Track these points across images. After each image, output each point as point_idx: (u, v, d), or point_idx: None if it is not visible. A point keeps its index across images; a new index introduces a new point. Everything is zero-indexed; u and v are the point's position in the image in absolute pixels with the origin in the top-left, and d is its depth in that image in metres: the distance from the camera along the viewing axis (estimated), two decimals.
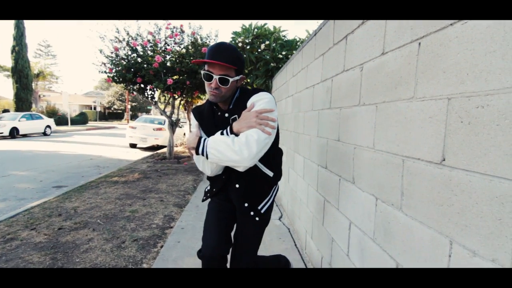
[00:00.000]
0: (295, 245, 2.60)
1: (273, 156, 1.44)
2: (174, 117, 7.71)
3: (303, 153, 2.61)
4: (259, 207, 1.43)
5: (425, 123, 0.94)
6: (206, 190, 1.60)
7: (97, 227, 2.94)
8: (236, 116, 1.34)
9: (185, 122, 14.28)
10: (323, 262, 1.95)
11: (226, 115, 1.37)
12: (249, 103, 1.29)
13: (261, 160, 1.35)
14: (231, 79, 1.27)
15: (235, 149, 1.19)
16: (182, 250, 2.46)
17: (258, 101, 1.28)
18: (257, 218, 1.43)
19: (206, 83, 1.30)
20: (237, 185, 1.42)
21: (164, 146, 10.28)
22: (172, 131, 7.45)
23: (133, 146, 11.19)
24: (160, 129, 10.56)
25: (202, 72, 1.30)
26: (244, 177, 1.37)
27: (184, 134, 13.50)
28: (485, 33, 0.72)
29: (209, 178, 1.54)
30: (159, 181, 5.08)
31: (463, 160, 0.78)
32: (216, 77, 1.25)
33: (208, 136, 1.34)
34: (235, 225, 1.54)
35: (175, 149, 9.86)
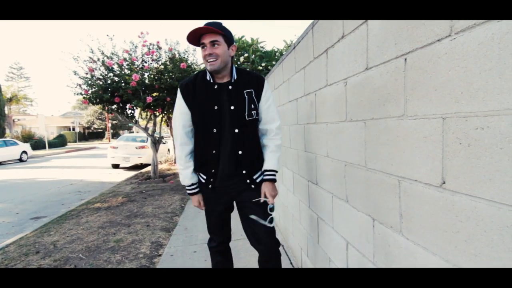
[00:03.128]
0: (291, 263, 2.51)
1: None
2: (156, 134, 7.52)
3: (291, 167, 2.55)
4: (254, 177, 1.62)
5: (419, 143, 0.88)
6: (194, 182, 1.67)
7: (79, 262, 2.74)
8: (252, 90, 1.55)
9: (169, 137, 14.02)
10: None
11: (230, 87, 1.54)
12: (264, 91, 1.59)
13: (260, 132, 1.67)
14: (222, 42, 1.46)
15: (280, 142, 1.65)
16: None
17: (268, 90, 1.61)
18: (252, 186, 1.61)
19: (202, 55, 1.49)
20: (240, 152, 1.56)
21: (148, 164, 10.02)
22: (156, 149, 7.25)
23: (115, 166, 10.83)
24: (142, 147, 10.29)
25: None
26: (246, 145, 1.57)
27: (169, 150, 13.23)
28: (477, 50, 0.68)
29: (202, 164, 1.61)
30: (145, 204, 4.88)
31: (465, 184, 0.73)
32: (207, 43, 1.44)
33: (201, 110, 1.53)
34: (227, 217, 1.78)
35: (160, 166, 9.61)
